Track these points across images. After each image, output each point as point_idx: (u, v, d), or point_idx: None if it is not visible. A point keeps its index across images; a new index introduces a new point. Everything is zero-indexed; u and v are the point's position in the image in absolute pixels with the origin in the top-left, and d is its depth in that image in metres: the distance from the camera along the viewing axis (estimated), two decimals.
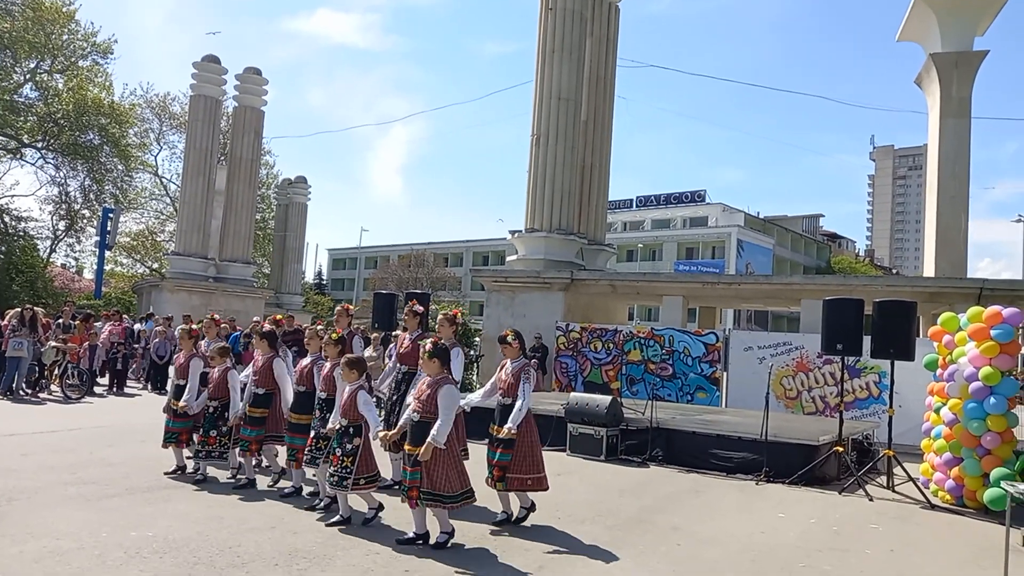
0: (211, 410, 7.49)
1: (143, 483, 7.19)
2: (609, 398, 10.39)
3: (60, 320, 15.40)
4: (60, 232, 36.03)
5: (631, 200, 72.40)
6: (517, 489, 6.30)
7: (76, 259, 39.91)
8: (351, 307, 8.66)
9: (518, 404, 6.17)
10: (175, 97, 41.05)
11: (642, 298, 20.60)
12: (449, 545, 5.55)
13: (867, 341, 9.36)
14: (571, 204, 18.73)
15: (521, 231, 19.26)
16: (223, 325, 8.80)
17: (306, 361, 6.96)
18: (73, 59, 33.57)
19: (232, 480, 7.45)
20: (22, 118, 32.12)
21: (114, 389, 15.91)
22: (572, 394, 11.36)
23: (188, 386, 7.62)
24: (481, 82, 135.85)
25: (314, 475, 6.69)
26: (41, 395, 14.00)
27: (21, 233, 33.83)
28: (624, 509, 7.25)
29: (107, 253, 34.79)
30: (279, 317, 8.71)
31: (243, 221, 28.10)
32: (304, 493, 6.93)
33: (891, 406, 9.15)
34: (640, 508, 7.34)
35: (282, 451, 7.24)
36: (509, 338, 6.44)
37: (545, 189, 18.36)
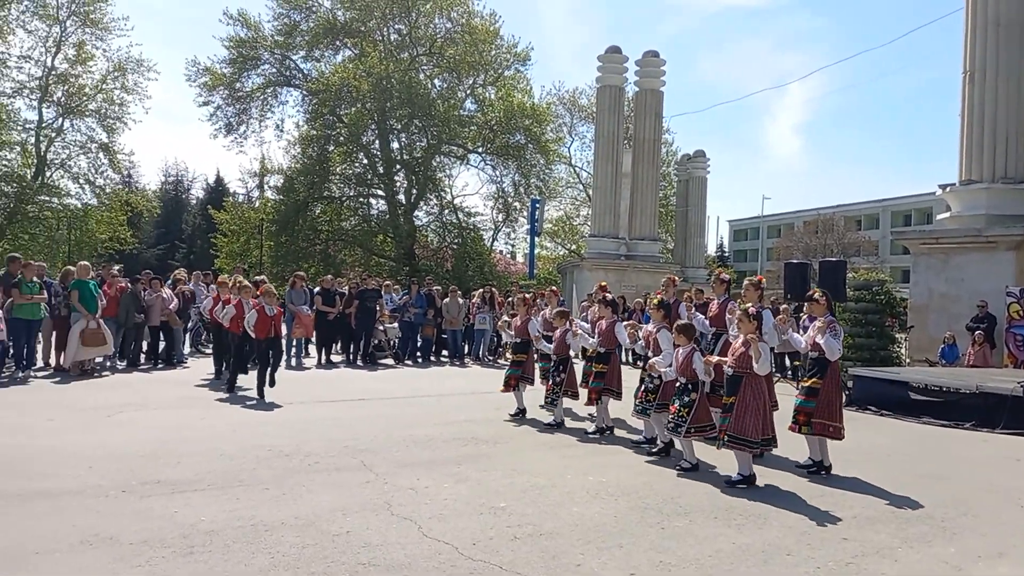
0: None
1: (588, 438, 8.41)
2: None
3: (511, 298, 18.26)
4: (499, 223, 42.27)
5: None
6: (819, 434, 6.86)
7: (512, 245, 46.59)
8: (676, 278, 9.89)
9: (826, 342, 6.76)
10: (582, 91, 44.82)
11: None
12: (740, 487, 6.25)
13: None
14: (1019, 148, 15.94)
15: (954, 184, 17.00)
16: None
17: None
18: (500, 71, 38.89)
19: (552, 425, 8.87)
20: (466, 129, 38.25)
21: None
22: None
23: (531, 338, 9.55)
24: (890, 20, 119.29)
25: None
26: (500, 361, 16.84)
27: (472, 226, 40.46)
28: None
29: (536, 239, 39.71)
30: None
31: (648, 200, 29.58)
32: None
33: None
34: None
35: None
36: (816, 295, 7.07)
37: (984, 133, 15.94)
